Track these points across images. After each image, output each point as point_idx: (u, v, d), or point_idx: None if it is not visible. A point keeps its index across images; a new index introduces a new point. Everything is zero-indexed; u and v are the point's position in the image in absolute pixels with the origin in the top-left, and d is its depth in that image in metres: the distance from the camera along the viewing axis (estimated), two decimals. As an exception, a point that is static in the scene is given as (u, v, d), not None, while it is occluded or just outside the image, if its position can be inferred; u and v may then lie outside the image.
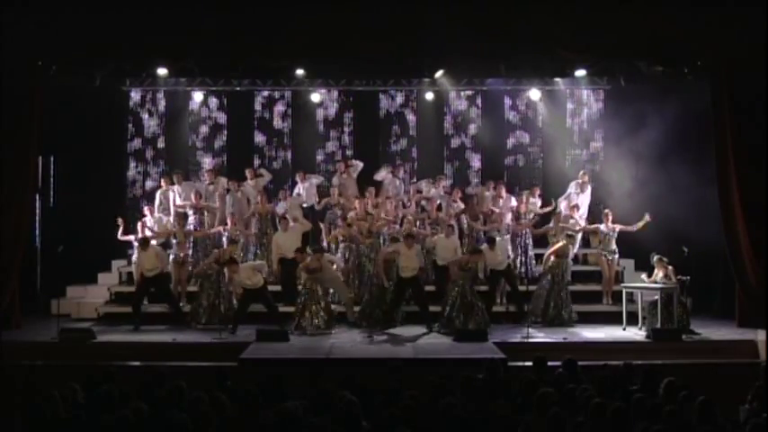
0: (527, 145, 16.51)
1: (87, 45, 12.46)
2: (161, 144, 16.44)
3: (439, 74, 15.25)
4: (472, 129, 16.62)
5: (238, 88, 16.32)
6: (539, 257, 14.07)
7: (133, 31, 12.16)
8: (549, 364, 8.52)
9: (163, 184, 15.21)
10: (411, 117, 16.68)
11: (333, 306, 12.95)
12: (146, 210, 14.63)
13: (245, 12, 12.11)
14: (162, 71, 14.63)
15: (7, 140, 12.43)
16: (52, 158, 15.04)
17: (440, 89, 16.19)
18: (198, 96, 16.29)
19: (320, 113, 16.57)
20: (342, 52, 13.17)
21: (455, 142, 16.69)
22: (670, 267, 12.38)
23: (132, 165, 16.38)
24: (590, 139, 16.45)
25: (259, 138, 16.59)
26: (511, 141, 16.61)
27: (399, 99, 16.68)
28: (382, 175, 15.42)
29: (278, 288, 13.65)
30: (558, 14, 12.14)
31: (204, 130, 16.56)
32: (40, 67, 12.78)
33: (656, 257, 12.51)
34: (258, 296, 12.68)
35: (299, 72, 15.07)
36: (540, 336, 12.06)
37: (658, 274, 12.41)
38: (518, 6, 12.11)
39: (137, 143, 16.38)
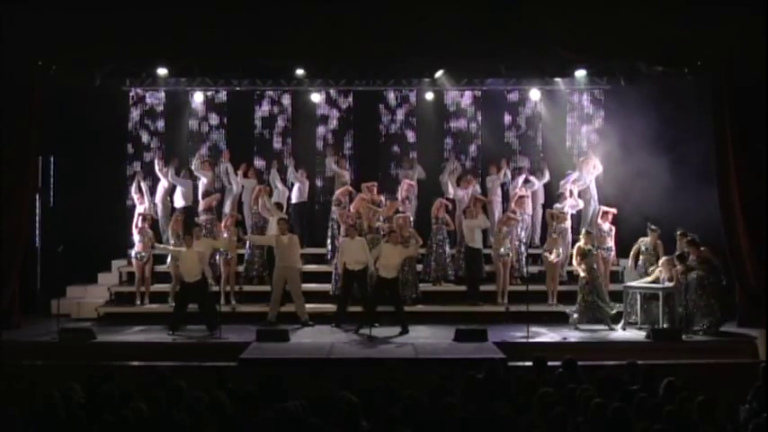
0: (527, 169, 16.01)
1: (87, 45, 12.46)
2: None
3: (439, 74, 15.24)
4: (472, 150, 16.44)
5: (238, 88, 16.26)
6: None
7: (133, 31, 12.15)
8: (549, 364, 8.53)
9: (157, 164, 15.24)
10: (411, 138, 16.46)
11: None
12: (142, 200, 14.60)
13: (245, 11, 12.10)
14: (162, 71, 14.63)
15: (7, 140, 12.43)
16: (52, 158, 15.02)
17: (440, 89, 16.16)
18: (198, 97, 16.17)
19: (320, 131, 16.39)
20: (342, 52, 13.17)
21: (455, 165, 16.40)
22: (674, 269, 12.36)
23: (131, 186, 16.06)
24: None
25: (259, 163, 16.20)
26: (511, 165, 16.18)
27: (400, 116, 16.43)
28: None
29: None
30: (558, 14, 12.14)
31: (204, 152, 16.25)
32: (40, 67, 12.78)
33: (664, 258, 12.47)
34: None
35: (299, 72, 15.06)
36: (540, 336, 12.05)
37: (663, 273, 12.36)
38: (518, 6, 12.11)
39: (136, 165, 16.04)
